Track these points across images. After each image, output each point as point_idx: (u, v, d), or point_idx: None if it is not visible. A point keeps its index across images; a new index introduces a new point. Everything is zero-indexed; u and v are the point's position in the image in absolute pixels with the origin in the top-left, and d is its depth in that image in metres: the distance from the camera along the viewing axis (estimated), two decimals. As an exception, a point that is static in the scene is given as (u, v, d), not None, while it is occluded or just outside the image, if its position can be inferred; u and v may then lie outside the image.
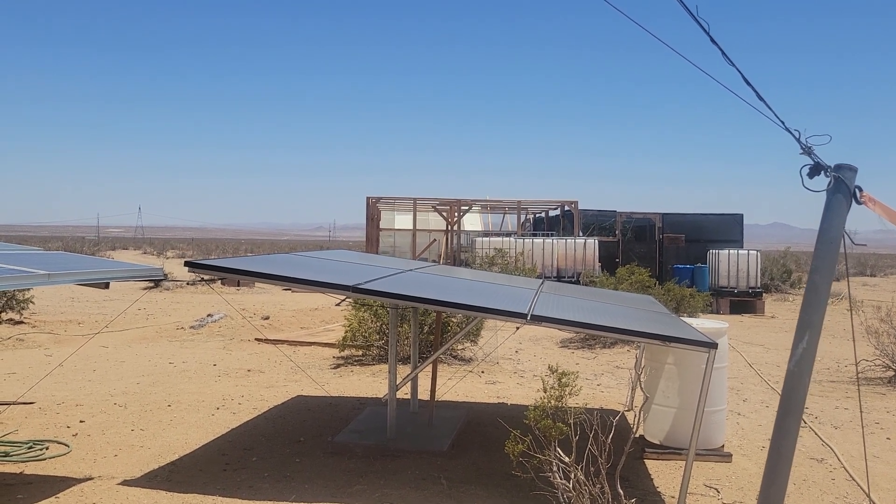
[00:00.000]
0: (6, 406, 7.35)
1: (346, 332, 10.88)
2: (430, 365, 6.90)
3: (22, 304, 14.19)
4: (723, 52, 2.45)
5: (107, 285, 4.88)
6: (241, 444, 6.33)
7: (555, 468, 4.34)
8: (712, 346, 4.65)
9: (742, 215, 25.58)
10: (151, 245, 80.00)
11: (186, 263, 5.02)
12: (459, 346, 10.97)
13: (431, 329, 10.03)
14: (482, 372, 10.10)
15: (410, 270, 7.09)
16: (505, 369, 10.45)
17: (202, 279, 22.27)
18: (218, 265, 5.09)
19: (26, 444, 6.05)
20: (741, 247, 23.53)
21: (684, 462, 5.92)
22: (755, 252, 21.17)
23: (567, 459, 4.34)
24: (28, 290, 14.07)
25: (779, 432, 3.66)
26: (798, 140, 2.84)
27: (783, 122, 2.74)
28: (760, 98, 2.57)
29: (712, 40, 2.39)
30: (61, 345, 12.10)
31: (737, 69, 2.45)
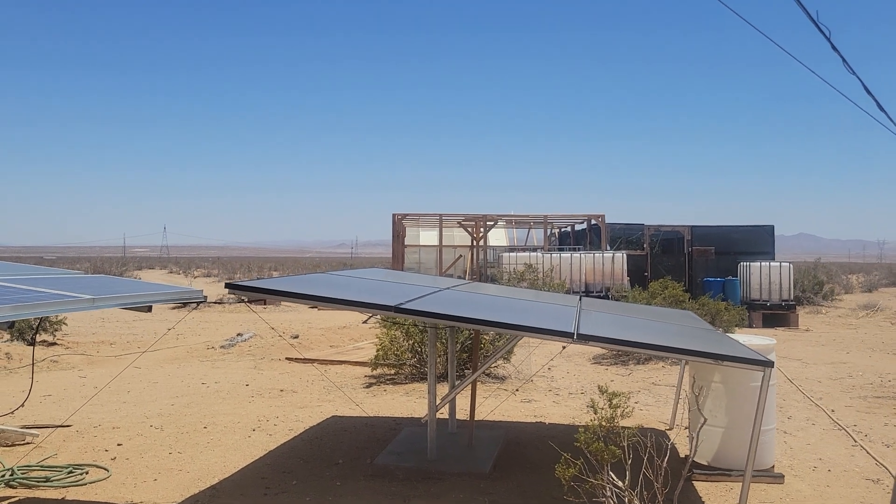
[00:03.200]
0: (45, 430, 7.34)
1: (378, 350, 10.80)
2: (469, 384, 6.79)
3: (55, 326, 14.29)
4: (844, 60, 2.34)
5: (150, 309, 4.86)
6: (280, 467, 6.25)
7: (608, 493, 4.21)
8: (768, 364, 4.51)
9: (773, 227, 25.23)
10: (177, 264, 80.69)
11: (227, 285, 4.98)
12: (493, 364, 10.85)
13: (464, 347, 9.93)
14: (516, 390, 9.96)
15: (447, 289, 7.01)
16: (539, 387, 10.30)
17: (241, 299, 22.35)
18: (259, 287, 5.03)
19: (66, 468, 6.02)
20: (772, 259, 23.17)
21: (734, 483, 5.77)
22: (787, 264, 20.83)
23: (621, 484, 4.21)
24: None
25: None
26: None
27: (907, 136, 2.61)
28: (882, 108, 2.45)
29: (833, 47, 2.29)
30: (94, 366, 12.14)
31: (858, 79, 2.34)
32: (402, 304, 5.08)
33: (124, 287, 4.93)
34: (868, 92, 2.40)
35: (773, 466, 6.21)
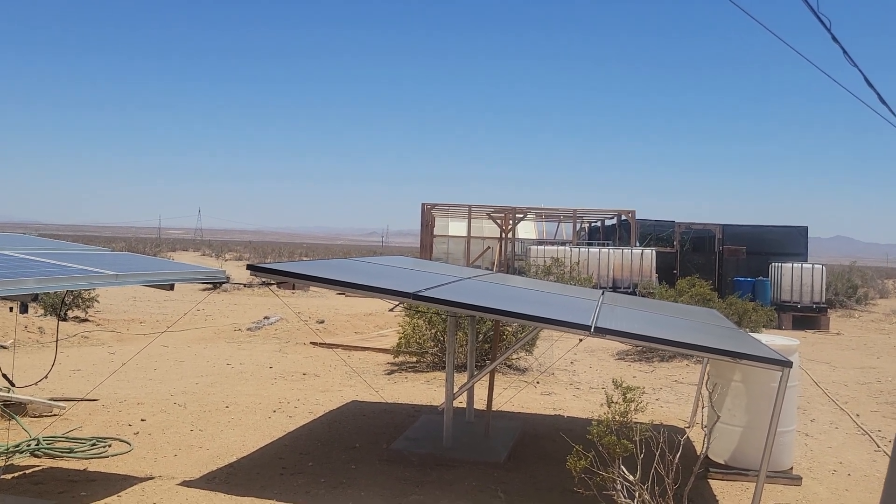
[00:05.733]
0: (71, 402, 7.52)
1: (401, 338, 10.87)
2: (487, 374, 6.81)
3: (87, 303, 14.60)
4: (844, 52, 2.30)
5: (172, 287, 4.95)
6: (298, 449, 6.34)
7: (619, 486, 4.21)
8: (787, 364, 4.46)
9: (806, 228, 24.80)
10: (210, 247, 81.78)
11: (249, 267, 5.05)
12: (514, 356, 10.84)
13: (486, 338, 9.94)
14: (537, 382, 9.96)
15: (469, 278, 7.02)
16: (560, 380, 10.29)
17: (263, 282, 22.63)
18: (279, 269, 5.10)
19: (90, 441, 6.16)
20: (805, 260, 22.79)
21: (750, 483, 5.72)
22: (820, 266, 20.48)
23: (632, 478, 4.20)
24: (94, 289, 14.48)
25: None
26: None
27: (907, 131, 2.56)
28: (883, 102, 2.40)
29: (834, 38, 2.25)
30: (124, 343, 12.39)
31: (859, 70, 2.30)
32: (420, 291, 5.11)
33: (148, 265, 5.03)
34: (869, 84, 2.35)
35: (792, 468, 6.14)
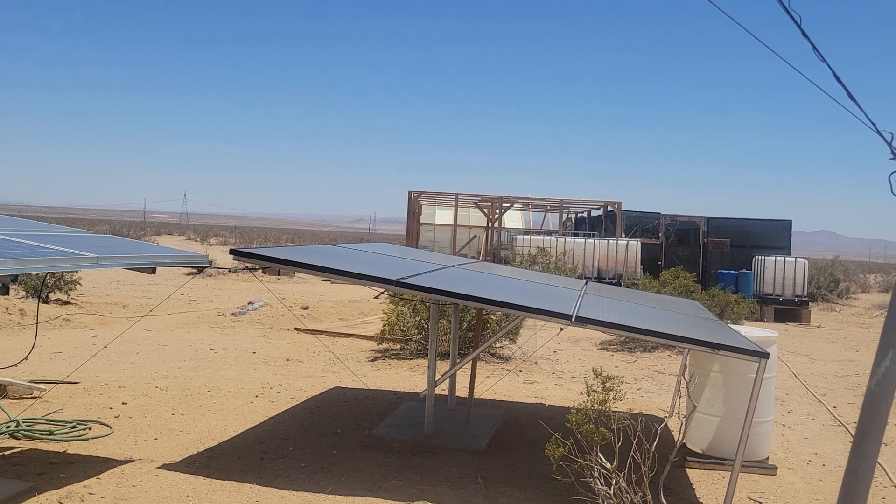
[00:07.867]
0: (52, 385, 7.49)
1: (385, 325, 10.89)
2: (469, 362, 6.85)
3: (70, 285, 14.50)
4: (814, 48, 2.32)
5: (153, 270, 4.93)
6: (279, 433, 6.35)
7: (596, 474, 4.25)
8: (763, 355, 4.51)
9: (790, 222, 25.01)
10: (195, 231, 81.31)
11: (232, 251, 5.04)
12: (498, 344, 10.89)
13: (470, 326, 9.98)
14: (520, 371, 10.01)
15: (453, 266, 7.04)
16: (543, 369, 10.35)
17: (245, 267, 22.62)
18: (263, 254, 5.09)
19: (70, 423, 6.14)
20: (788, 254, 23.00)
21: (727, 473, 5.79)
22: (803, 260, 20.66)
23: (609, 465, 4.25)
24: (76, 271, 14.38)
25: (857, 455, 3.48)
26: (889, 144, 2.67)
27: (874, 125, 2.59)
28: (851, 98, 2.43)
29: (804, 34, 2.27)
30: (106, 326, 12.32)
31: (828, 66, 2.32)
32: (403, 278, 5.12)
33: (130, 248, 5.01)
34: (838, 80, 2.39)
35: (768, 458, 6.23)
